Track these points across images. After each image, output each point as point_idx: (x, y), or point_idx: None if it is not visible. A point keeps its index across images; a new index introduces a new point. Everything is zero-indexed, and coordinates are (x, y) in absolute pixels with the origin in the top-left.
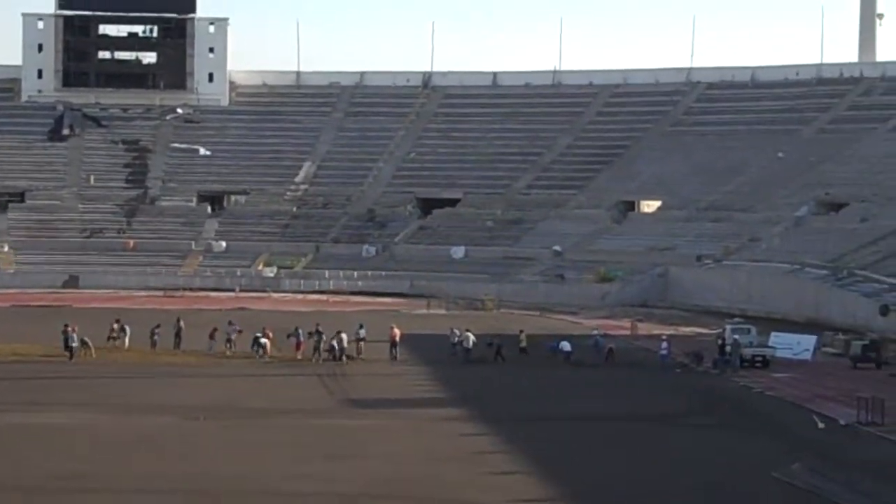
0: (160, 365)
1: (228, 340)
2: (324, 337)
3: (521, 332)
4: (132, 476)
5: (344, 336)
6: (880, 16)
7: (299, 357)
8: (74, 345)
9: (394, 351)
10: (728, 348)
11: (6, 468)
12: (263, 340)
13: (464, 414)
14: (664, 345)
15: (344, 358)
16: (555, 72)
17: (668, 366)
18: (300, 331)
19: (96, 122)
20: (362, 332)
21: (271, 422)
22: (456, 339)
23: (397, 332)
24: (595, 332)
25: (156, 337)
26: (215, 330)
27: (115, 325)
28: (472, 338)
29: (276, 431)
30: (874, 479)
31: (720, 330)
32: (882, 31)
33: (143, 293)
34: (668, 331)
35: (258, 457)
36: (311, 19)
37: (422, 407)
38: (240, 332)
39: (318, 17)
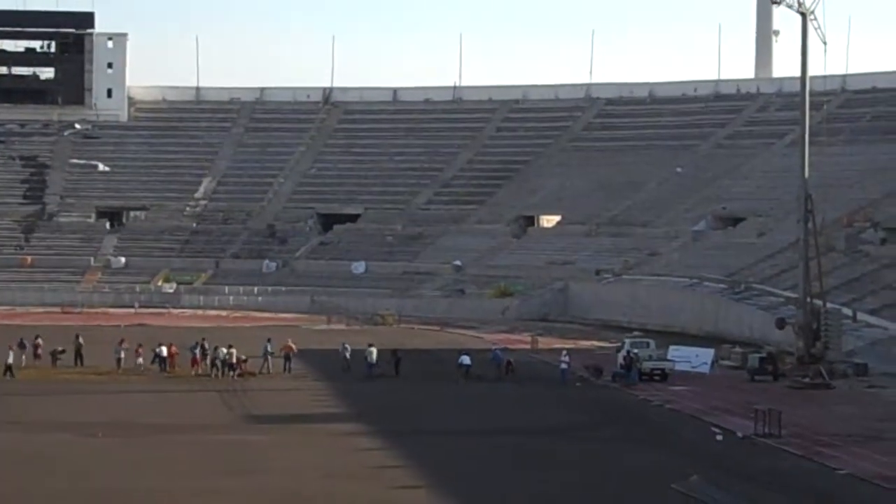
0: (60, 382)
1: (118, 360)
2: (218, 351)
3: (370, 345)
4: (29, 495)
5: (234, 351)
6: (776, 32)
7: (198, 373)
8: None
9: (288, 364)
10: (627, 361)
11: None
12: (165, 355)
13: (363, 429)
14: (565, 359)
15: (232, 373)
16: (455, 87)
17: (569, 380)
18: (199, 346)
19: None
20: (269, 347)
21: (171, 438)
22: (347, 353)
23: (292, 346)
24: (494, 346)
25: (59, 358)
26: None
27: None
28: (374, 352)
29: (176, 447)
30: (771, 490)
31: (619, 344)
32: (778, 47)
33: (40, 310)
34: (568, 345)
35: (158, 473)
36: (210, 34)
37: (321, 422)
38: (133, 348)
39: (217, 33)
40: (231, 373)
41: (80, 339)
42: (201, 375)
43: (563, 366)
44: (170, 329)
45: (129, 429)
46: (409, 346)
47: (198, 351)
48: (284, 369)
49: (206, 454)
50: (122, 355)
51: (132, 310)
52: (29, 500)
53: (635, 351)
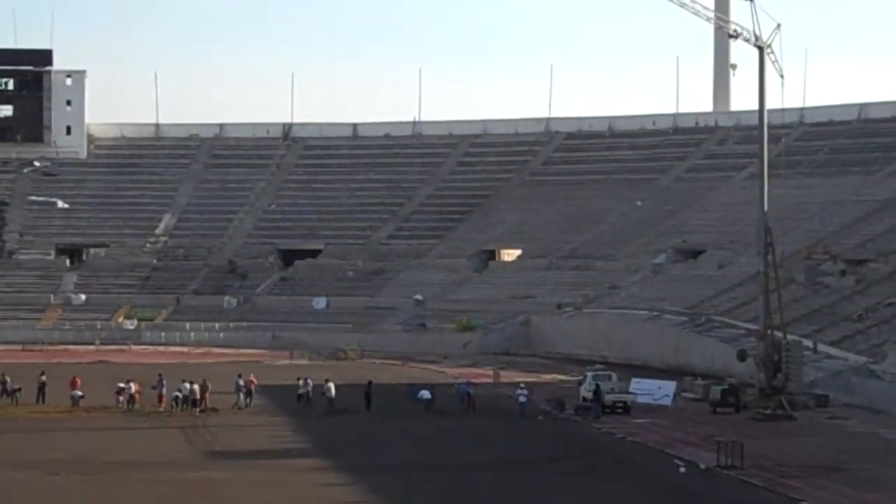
0: (22, 419)
1: (73, 398)
2: (181, 386)
3: (327, 380)
4: None
5: (196, 387)
6: (733, 66)
7: (161, 409)
8: None
9: (249, 399)
10: (590, 394)
11: None
12: (131, 391)
13: (327, 464)
14: (523, 391)
15: (195, 409)
16: (415, 122)
17: (529, 413)
18: (164, 382)
19: None
20: (241, 382)
21: (134, 475)
22: (308, 388)
23: (254, 380)
24: (458, 380)
25: (17, 395)
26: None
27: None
28: (332, 387)
29: (140, 485)
30: None
31: (581, 377)
32: (736, 81)
33: (0, 347)
34: (529, 378)
35: None
36: (169, 71)
37: (285, 458)
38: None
39: (176, 69)
40: (194, 409)
41: (44, 377)
42: (164, 412)
43: (522, 398)
44: (132, 366)
45: (92, 466)
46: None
47: (164, 387)
48: (246, 405)
49: (169, 492)
50: (80, 394)
51: (93, 347)
52: None
53: (596, 383)
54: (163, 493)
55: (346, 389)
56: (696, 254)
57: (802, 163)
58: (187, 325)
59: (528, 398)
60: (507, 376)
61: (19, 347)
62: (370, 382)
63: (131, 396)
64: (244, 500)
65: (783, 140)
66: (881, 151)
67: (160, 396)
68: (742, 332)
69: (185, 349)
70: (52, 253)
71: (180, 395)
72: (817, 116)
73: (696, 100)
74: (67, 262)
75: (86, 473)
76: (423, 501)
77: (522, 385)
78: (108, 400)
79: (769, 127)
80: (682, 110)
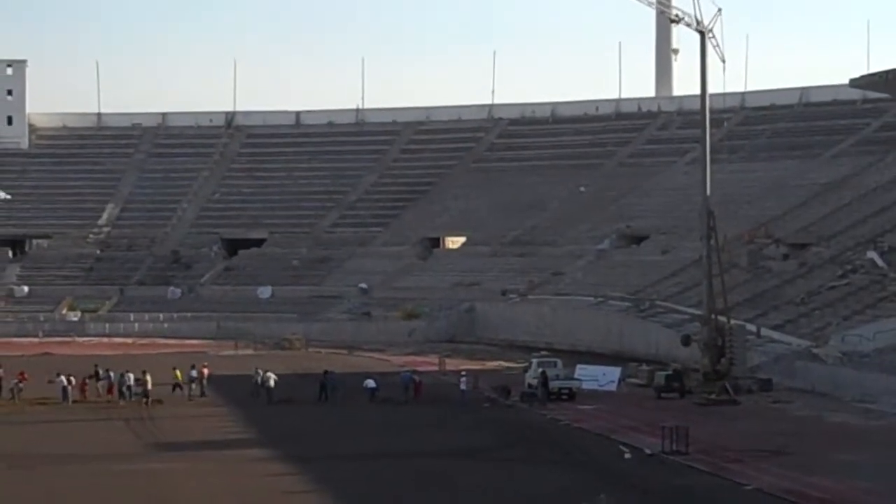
0: None
1: (12, 390)
2: (125, 377)
3: (266, 371)
4: None
5: (149, 378)
6: (675, 51)
7: (109, 400)
8: None
9: (201, 387)
10: (535, 381)
11: None
12: (63, 384)
13: (272, 454)
14: (464, 379)
15: (146, 399)
16: (358, 110)
17: (470, 400)
18: (111, 374)
19: None
20: (194, 373)
21: (78, 468)
22: (259, 378)
23: (205, 370)
24: (404, 368)
25: None
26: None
27: None
28: (273, 377)
29: (84, 478)
30: None
31: (527, 364)
32: (678, 66)
33: None
34: (474, 366)
35: None
36: (111, 60)
37: (231, 448)
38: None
39: (117, 58)
40: (145, 399)
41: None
42: (108, 403)
43: (463, 386)
44: (75, 357)
45: (34, 460)
46: (317, 370)
47: (112, 377)
48: (200, 394)
49: (114, 484)
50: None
51: (36, 339)
52: None
53: (541, 370)
54: (107, 484)
55: (293, 379)
56: (639, 239)
57: (745, 147)
58: (131, 315)
59: (469, 386)
60: (452, 364)
61: None
62: (326, 372)
63: (63, 388)
64: (189, 491)
65: (725, 124)
66: (822, 135)
67: (109, 387)
68: (686, 316)
69: (129, 340)
70: None
71: (125, 386)
72: (759, 101)
73: (639, 85)
74: (10, 253)
75: (27, 467)
76: (367, 490)
77: (464, 372)
78: (51, 392)
79: (711, 111)
80: (624, 95)
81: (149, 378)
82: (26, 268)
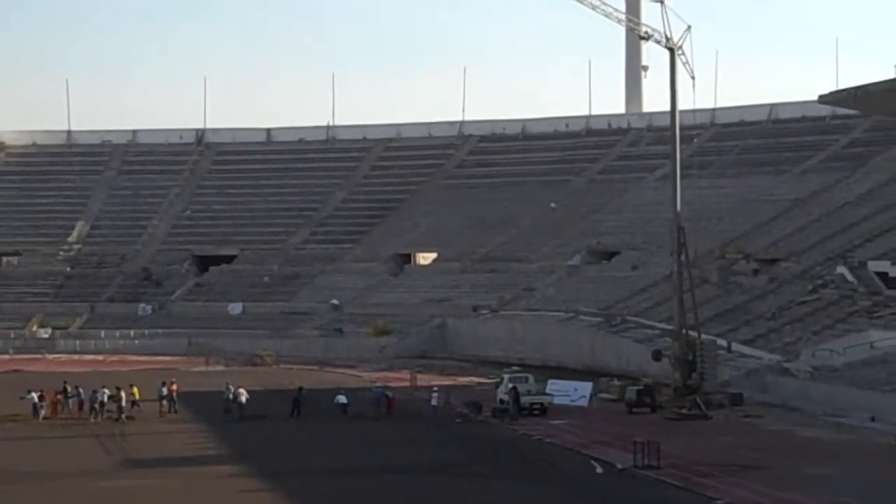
0: None
1: None
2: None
3: (238, 387)
4: None
5: (123, 394)
6: (645, 68)
7: (81, 417)
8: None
9: (173, 406)
10: (507, 397)
11: None
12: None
13: (244, 470)
14: (435, 395)
15: (122, 415)
16: (328, 127)
17: (442, 416)
18: (80, 391)
19: None
20: (164, 390)
21: (48, 485)
22: (231, 394)
23: (175, 386)
24: (375, 384)
25: None
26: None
27: None
28: (244, 394)
29: (53, 495)
30: None
31: (499, 379)
32: (647, 82)
33: None
34: (446, 381)
35: None
36: (80, 77)
37: (202, 464)
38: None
39: (87, 75)
40: (121, 415)
41: None
42: (79, 420)
43: (434, 402)
44: (46, 374)
45: (5, 476)
46: (289, 386)
47: (83, 394)
48: (170, 410)
49: (83, 501)
50: None
51: (6, 356)
52: None
53: (512, 385)
54: (77, 503)
55: (265, 395)
56: (609, 255)
57: (714, 163)
58: (102, 332)
59: (441, 401)
60: (423, 380)
61: None
62: (300, 388)
63: (34, 405)
64: None
65: (695, 140)
66: (791, 151)
67: (80, 404)
68: (657, 332)
69: (100, 357)
70: None
71: (97, 403)
72: (729, 117)
73: (609, 102)
74: None
75: None
76: None
77: (436, 388)
78: (22, 409)
79: (681, 128)
80: (594, 112)
81: (123, 394)
82: None
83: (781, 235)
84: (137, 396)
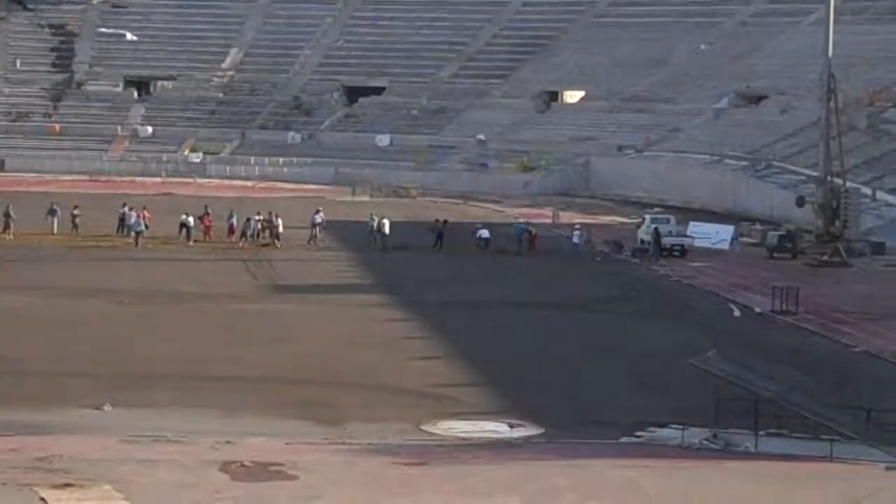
0: (87, 249)
1: (74, 224)
2: (250, 222)
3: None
4: (57, 357)
5: (280, 221)
6: None
7: (232, 242)
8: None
9: (315, 233)
10: (648, 237)
11: None
12: (189, 224)
13: (385, 300)
14: (577, 233)
15: (277, 241)
16: None
17: (583, 254)
18: (234, 214)
19: (22, 5)
20: (318, 218)
21: (197, 306)
22: (375, 224)
23: (321, 216)
24: (518, 220)
25: (76, 219)
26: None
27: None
28: (388, 224)
29: (202, 316)
30: (786, 365)
31: (640, 219)
32: None
33: (68, 177)
34: (588, 220)
35: (182, 340)
36: None
37: (344, 292)
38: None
39: None
40: (277, 241)
41: (126, 209)
42: (229, 245)
43: (576, 239)
44: (197, 198)
45: (155, 297)
46: (431, 218)
47: (234, 220)
48: (311, 237)
49: (230, 323)
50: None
51: (159, 179)
52: (57, 363)
53: (654, 226)
54: (224, 323)
55: (408, 227)
56: (758, 99)
57: (869, 9)
58: (252, 159)
59: (584, 239)
60: (565, 217)
61: (87, 178)
62: (445, 221)
63: (188, 228)
64: (303, 332)
65: None
66: None
67: (230, 228)
68: (802, 178)
69: (249, 183)
70: (121, 84)
71: (250, 227)
72: None
73: None
74: (135, 93)
75: (149, 303)
76: (476, 338)
77: (578, 226)
78: (174, 231)
79: None
80: None
81: (280, 221)
82: (150, 108)
83: None
84: (281, 228)
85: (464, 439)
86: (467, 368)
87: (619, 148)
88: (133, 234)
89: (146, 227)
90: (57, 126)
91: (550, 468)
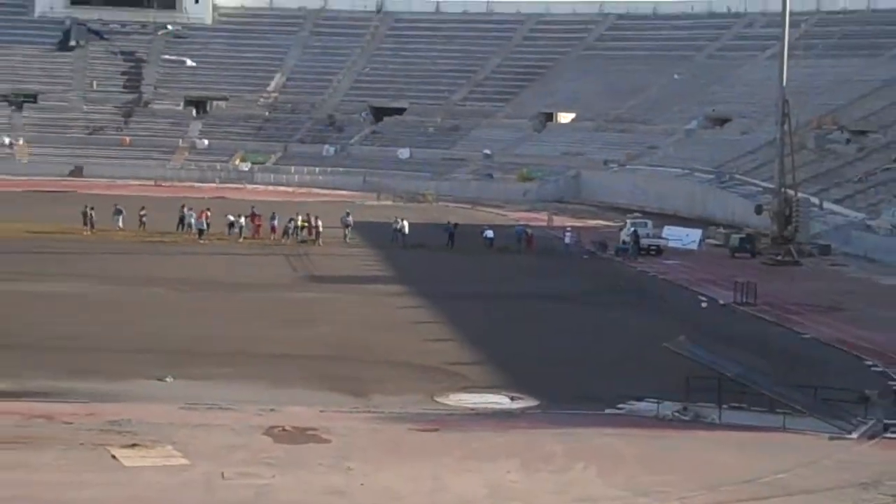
0: (152, 244)
1: (141, 222)
2: (291, 222)
3: (403, 219)
4: (126, 336)
5: (321, 222)
6: None
7: (275, 239)
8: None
9: (346, 232)
10: (633, 237)
11: (8, 329)
12: (241, 224)
13: (404, 290)
14: (568, 234)
15: (317, 240)
16: (489, 1)
17: (574, 253)
18: (276, 216)
19: (99, 35)
20: (349, 219)
21: (242, 294)
22: (397, 225)
23: (351, 218)
24: (518, 222)
25: (143, 218)
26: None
27: (141, 211)
28: (407, 225)
29: (250, 302)
30: (746, 349)
31: (623, 223)
32: None
33: (136, 182)
34: (577, 223)
35: (234, 323)
36: None
37: (369, 283)
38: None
39: None
40: (317, 239)
41: (185, 209)
42: (273, 242)
43: (567, 240)
44: (245, 202)
45: (210, 285)
46: (443, 220)
47: (276, 221)
48: (344, 237)
49: (271, 307)
50: (193, 221)
51: (214, 185)
52: (126, 341)
53: (634, 229)
54: (264, 308)
55: (425, 228)
56: (723, 121)
57: (818, 46)
58: (292, 168)
59: (574, 240)
60: (558, 221)
61: (152, 183)
62: (456, 224)
63: (239, 227)
64: (332, 316)
65: (802, 25)
66: (886, 37)
67: (273, 228)
68: (759, 189)
69: (290, 189)
70: (181, 104)
71: (291, 226)
72: (832, 5)
73: None
74: (194, 111)
75: (205, 290)
76: (482, 324)
77: (569, 228)
78: (225, 229)
79: (790, 14)
80: None
81: (320, 223)
82: (207, 125)
83: (872, 110)
84: (321, 228)
85: (471, 409)
86: (474, 349)
87: (605, 162)
88: (196, 231)
89: (207, 225)
90: (127, 139)
91: (545, 435)
